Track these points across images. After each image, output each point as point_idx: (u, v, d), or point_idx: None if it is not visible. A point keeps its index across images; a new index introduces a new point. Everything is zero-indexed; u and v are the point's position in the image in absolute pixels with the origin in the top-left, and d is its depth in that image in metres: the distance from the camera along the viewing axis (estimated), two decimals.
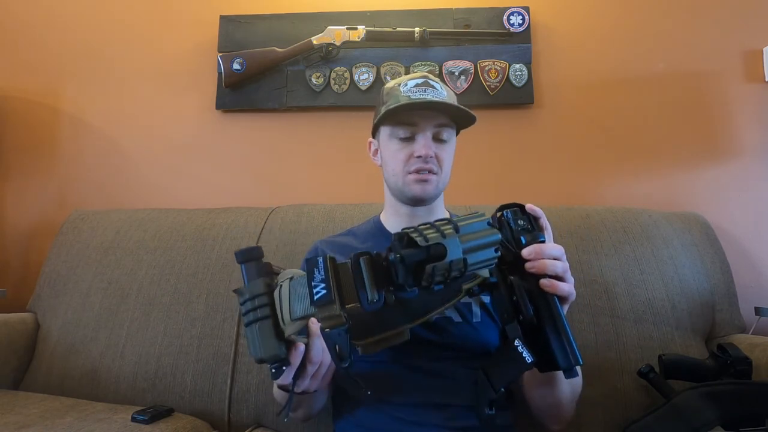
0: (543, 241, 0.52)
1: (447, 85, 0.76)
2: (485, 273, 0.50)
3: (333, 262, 0.43)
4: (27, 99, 1.46)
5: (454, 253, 0.42)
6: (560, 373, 0.55)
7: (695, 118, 1.34)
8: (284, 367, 0.45)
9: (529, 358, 0.47)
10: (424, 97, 0.69)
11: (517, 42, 1.38)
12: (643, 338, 0.94)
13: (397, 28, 1.38)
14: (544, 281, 0.49)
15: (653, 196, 1.31)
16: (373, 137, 0.80)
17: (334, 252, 0.78)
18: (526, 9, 1.39)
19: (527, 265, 0.50)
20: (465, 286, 0.54)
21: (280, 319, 0.43)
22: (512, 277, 0.50)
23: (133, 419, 0.81)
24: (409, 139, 0.72)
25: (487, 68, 1.37)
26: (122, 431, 0.77)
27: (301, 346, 0.46)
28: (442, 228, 0.44)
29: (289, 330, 0.43)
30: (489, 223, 0.48)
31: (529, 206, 0.54)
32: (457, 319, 0.69)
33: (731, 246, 1.20)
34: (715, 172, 1.31)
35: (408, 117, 0.71)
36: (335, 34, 1.39)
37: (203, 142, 1.42)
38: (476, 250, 0.45)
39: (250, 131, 1.42)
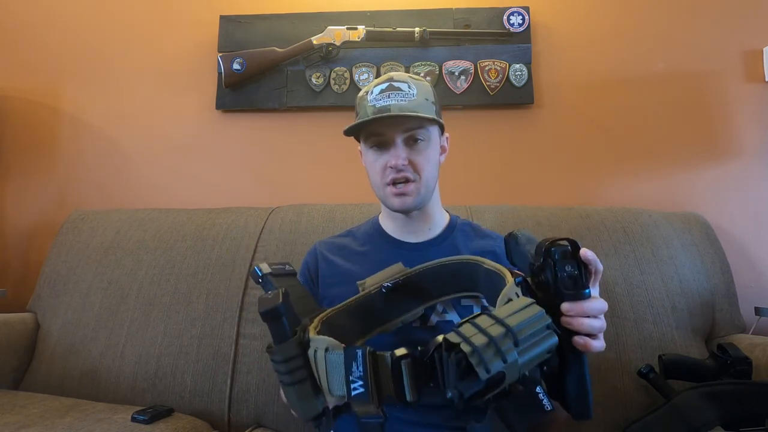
0: (588, 295, 0.46)
1: (422, 81, 0.72)
2: None
3: (372, 357, 0.40)
4: (27, 99, 1.46)
5: (513, 375, 0.37)
6: None
7: (695, 118, 1.34)
8: (324, 418, 0.44)
9: (548, 406, 0.43)
10: (388, 104, 0.67)
11: (517, 42, 1.38)
12: (643, 338, 0.94)
13: (397, 28, 1.38)
14: (577, 339, 0.45)
15: (653, 196, 1.31)
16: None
17: (333, 253, 0.78)
18: (526, 9, 1.39)
19: (563, 320, 0.46)
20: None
21: (320, 383, 0.42)
22: None
23: (133, 419, 0.81)
24: (382, 149, 0.71)
25: (487, 68, 1.37)
26: (122, 431, 0.77)
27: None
28: (501, 344, 0.36)
29: (331, 402, 0.42)
30: (548, 326, 0.40)
31: (583, 252, 0.47)
32: (458, 320, 0.69)
33: (731, 246, 1.20)
34: (715, 172, 1.31)
35: (374, 128, 0.69)
36: (335, 34, 1.39)
37: (203, 142, 1.42)
38: (532, 363, 0.38)
39: (250, 131, 1.42)
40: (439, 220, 0.78)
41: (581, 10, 1.41)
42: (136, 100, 1.45)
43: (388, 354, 0.40)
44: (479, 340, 0.36)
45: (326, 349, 0.42)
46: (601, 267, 0.49)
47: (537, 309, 0.40)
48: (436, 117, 0.70)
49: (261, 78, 1.40)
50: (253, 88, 1.40)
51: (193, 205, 1.28)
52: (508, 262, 0.56)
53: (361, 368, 0.40)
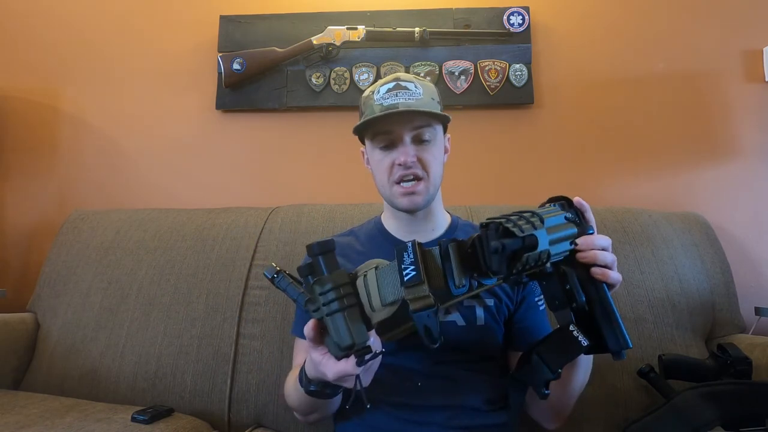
0: (592, 233, 0.53)
1: (427, 81, 0.74)
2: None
3: (421, 247, 0.45)
4: (27, 99, 1.46)
5: (543, 244, 0.44)
6: (577, 368, 0.61)
7: (695, 118, 1.34)
8: (367, 356, 0.46)
9: (584, 341, 0.48)
10: (395, 102, 0.67)
11: (517, 42, 1.38)
12: (643, 338, 0.94)
13: (397, 28, 1.38)
14: (595, 269, 0.50)
15: (653, 196, 1.31)
16: (363, 144, 0.80)
17: (336, 252, 0.78)
18: (526, 9, 1.39)
19: (579, 255, 0.50)
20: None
21: (368, 307, 0.46)
22: (564, 267, 0.51)
23: (133, 419, 0.81)
24: (390, 147, 0.71)
25: (487, 68, 1.37)
26: (122, 431, 0.77)
27: (376, 338, 0.49)
28: (532, 219, 0.45)
29: (378, 317, 0.45)
30: (566, 218, 0.51)
31: (576, 200, 0.55)
32: (461, 322, 0.69)
33: (731, 246, 1.20)
34: (715, 172, 1.31)
35: (382, 126, 0.70)
36: (335, 34, 1.39)
37: (203, 142, 1.42)
38: (557, 242, 0.47)
39: (250, 131, 1.42)
40: (441, 221, 0.79)
41: (581, 10, 1.41)
42: (136, 100, 1.45)
43: (435, 247, 0.46)
44: (513, 216, 0.45)
45: (375, 267, 0.47)
46: (592, 216, 0.56)
47: (560, 211, 0.50)
48: (441, 113, 0.70)
49: (261, 78, 1.40)
50: (253, 88, 1.40)
51: (193, 205, 1.28)
52: None
53: (411, 255, 0.44)
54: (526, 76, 1.36)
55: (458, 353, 0.68)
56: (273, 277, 0.55)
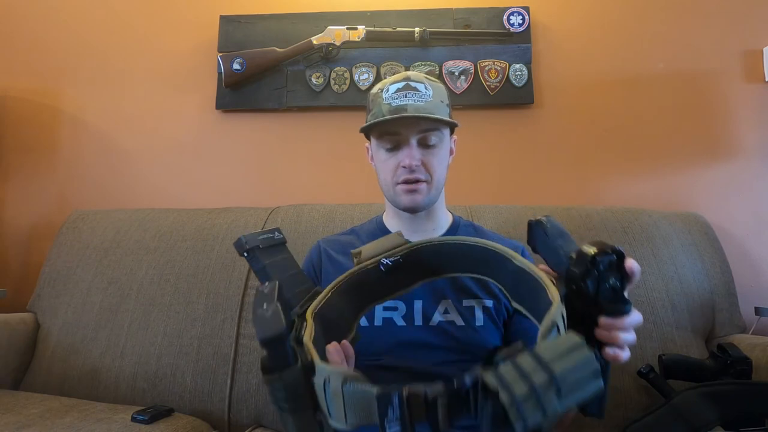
0: (628, 312, 0.44)
1: (437, 81, 0.73)
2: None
3: (408, 399, 0.37)
4: (27, 99, 1.46)
5: (549, 425, 0.34)
6: None
7: (695, 118, 1.34)
8: None
9: None
10: (405, 103, 0.67)
11: (517, 42, 1.38)
12: (643, 338, 0.94)
13: (397, 28, 1.38)
14: (608, 351, 0.43)
15: (653, 196, 1.31)
16: (369, 140, 0.80)
17: (336, 252, 0.78)
18: (526, 9, 1.39)
19: (598, 332, 0.44)
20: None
21: (326, 411, 0.38)
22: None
23: (133, 419, 0.81)
24: (395, 149, 0.71)
25: (487, 68, 1.37)
26: (122, 431, 0.77)
27: None
28: (544, 396, 0.33)
29: (338, 426, 0.38)
30: (596, 373, 0.35)
31: (629, 264, 0.44)
32: (460, 322, 0.69)
33: (731, 246, 1.20)
34: (715, 172, 1.31)
35: (390, 127, 0.69)
36: (335, 34, 1.39)
37: (203, 142, 1.42)
38: (570, 407, 0.36)
39: (250, 131, 1.42)
40: (443, 221, 0.79)
41: (581, 10, 1.41)
42: (136, 100, 1.45)
43: (422, 391, 0.37)
44: (520, 389, 0.33)
45: (343, 381, 0.37)
46: (639, 277, 0.46)
47: (586, 352, 0.35)
48: (451, 119, 0.70)
49: (261, 78, 1.40)
50: (253, 88, 1.40)
51: (193, 205, 1.28)
52: (531, 248, 0.53)
53: (398, 412, 0.37)
54: (526, 76, 1.36)
55: (457, 353, 0.68)
56: (245, 252, 0.49)
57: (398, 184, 0.71)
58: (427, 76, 0.72)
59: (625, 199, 1.31)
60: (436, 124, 0.69)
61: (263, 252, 0.51)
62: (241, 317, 1.01)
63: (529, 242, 0.54)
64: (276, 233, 0.55)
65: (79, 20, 1.48)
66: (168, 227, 1.15)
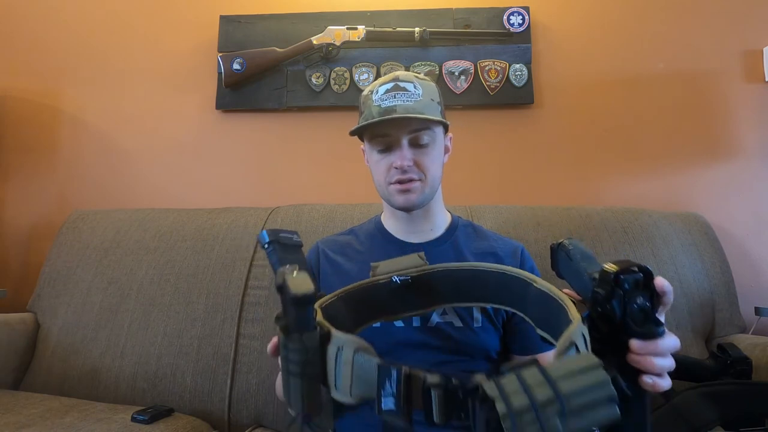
0: (661, 334, 0.40)
1: (427, 80, 0.72)
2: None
3: (407, 377, 0.37)
4: (27, 99, 1.46)
5: None
6: None
7: (695, 118, 1.34)
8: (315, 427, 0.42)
9: None
10: (393, 104, 0.67)
11: (517, 42, 1.38)
12: None
13: (397, 28, 1.38)
14: (646, 379, 0.40)
15: (653, 196, 1.31)
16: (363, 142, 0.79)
17: (335, 252, 0.78)
18: (526, 9, 1.39)
19: (631, 357, 0.40)
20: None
21: (332, 382, 0.39)
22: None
23: (133, 419, 0.81)
24: (387, 150, 0.71)
25: (487, 68, 1.37)
26: (122, 431, 0.77)
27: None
28: (543, 413, 0.31)
29: (342, 399, 0.39)
30: (611, 398, 0.33)
31: (660, 282, 0.41)
32: (458, 323, 0.69)
33: (731, 246, 1.20)
34: (715, 172, 1.31)
35: (380, 129, 0.69)
36: (335, 34, 1.39)
37: (203, 142, 1.42)
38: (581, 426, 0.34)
39: (250, 131, 1.42)
40: (441, 221, 0.78)
41: (581, 10, 1.41)
42: (136, 100, 1.45)
43: (422, 375, 0.37)
44: (519, 401, 0.31)
45: (355, 350, 0.39)
46: (672, 298, 0.43)
47: (602, 375, 0.33)
48: (441, 118, 0.70)
49: (261, 78, 1.40)
50: (253, 88, 1.40)
51: (193, 205, 1.28)
52: (555, 273, 0.51)
53: (394, 387, 0.37)
54: (526, 76, 1.36)
55: (456, 354, 0.68)
56: (266, 244, 0.49)
57: (391, 184, 0.70)
58: (417, 75, 0.72)
59: (625, 199, 1.31)
60: (426, 123, 0.69)
61: (282, 248, 0.52)
62: (241, 317, 1.01)
63: (552, 267, 0.52)
64: (295, 236, 0.55)
65: (79, 20, 1.48)
66: (168, 227, 1.15)
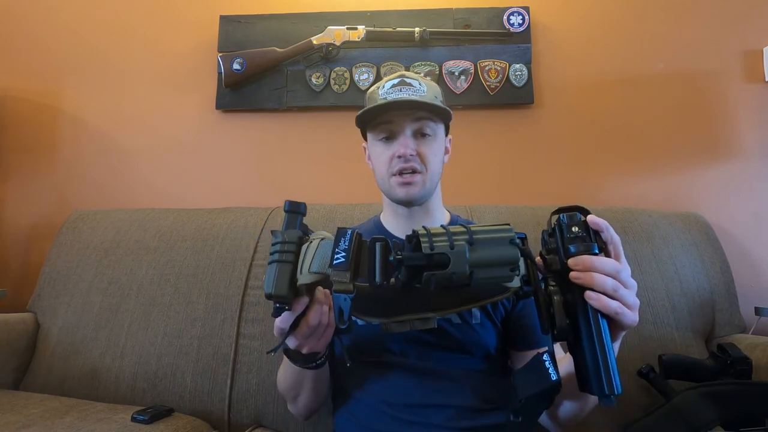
0: (596, 254, 0.45)
1: (431, 81, 0.75)
2: (515, 283, 0.47)
3: (359, 237, 0.47)
4: (27, 99, 1.46)
5: (459, 266, 0.42)
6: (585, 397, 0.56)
7: (695, 118, 1.34)
8: (285, 308, 0.50)
9: (553, 376, 0.43)
10: (399, 96, 0.68)
11: (517, 42, 1.38)
12: (643, 338, 0.94)
13: (397, 28, 1.38)
14: (589, 293, 0.43)
15: (653, 196, 1.31)
16: (365, 140, 0.80)
17: None
18: (526, 9, 1.39)
19: (572, 274, 0.45)
20: (495, 298, 0.55)
21: (299, 269, 0.48)
22: (552, 287, 0.46)
23: (133, 419, 0.81)
24: (390, 139, 0.71)
25: (487, 68, 1.37)
26: (122, 431, 0.77)
27: (305, 299, 0.51)
28: (455, 238, 0.43)
29: (302, 280, 0.48)
30: (512, 240, 0.45)
31: (591, 218, 0.47)
32: (457, 320, 0.69)
33: (731, 246, 1.20)
34: (715, 172, 1.31)
35: (384, 116, 0.70)
36: (335, 34, 1.39)
37: (203, 142, 1.42)
38: (488, 266, 0.43)
39: (250, 131, 1.42)
40: (439, 219, 0.79)
41: (581, 10, 1.41)
42: (136, 100, 1.45)
43: (369, 240, 0.47)
44: (436, 230, 0.44)
45: (321, 239, 0.49)
46: (616, 236, 0.47)
47: (506, 226, 0.46)
48: (445, 107, 0.71)
49: (261, 78, 1.40)
50: (253, 88, 1.40)
51: (193, 205, 1.28)
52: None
53: (347, 243, 0.47)
54: (526, 76, 1.36)
55: (455, 351, 0.69)
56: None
57: (393, 175, 0.71)
58: (421, 76, 0.74)
59: (625, 199, 1.31)
60: (431, 113, 0.70)
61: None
62: (241, 317, 1.01)
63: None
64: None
65: (79, 20, 1.48)
66: (168, 227, 1.15)
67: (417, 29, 1.37)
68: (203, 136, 1.43)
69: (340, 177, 1.38)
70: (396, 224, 0.78)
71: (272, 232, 0.51)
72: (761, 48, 1.33)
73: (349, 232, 0.47)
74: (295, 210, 0.52)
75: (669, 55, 1.37)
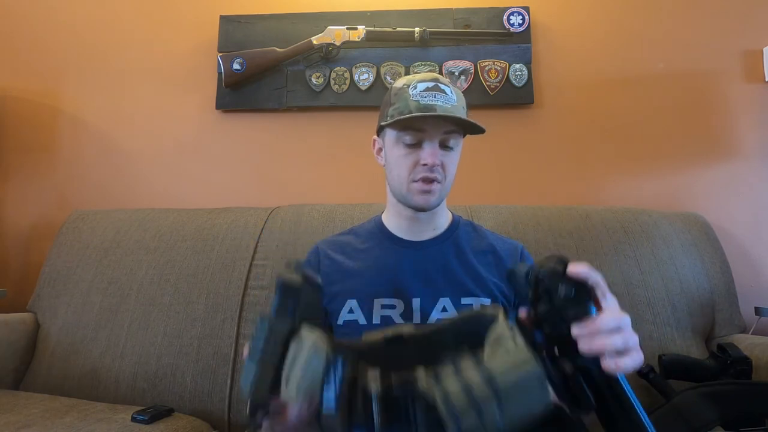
0: (590, 313, 0.41)
1: (456, 89, 0.73)
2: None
3: (349, 384, 0.38)
4: (27, 99, 1.46)
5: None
6: None
7: (695, 118, 1.34)
8: (259, 416, 0.41)
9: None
10: (434, 103, 0.67)
11: (517, 42, 1.38)
12: (643, 338, 0.94)
13: (397, 28, 1.38)
14: (607, 363, 0.39)
15: (653, 196, 1.31)
16: (378, 135, 0.79)
17: (335, 251, 0.78)
18: (526, 9, 1.39)
19: (581, 347, 0.40)
20: None
21: (284, 378, 0.39)
22: (565, 364, 0.40)
23: (133, 419, 0.81)
24: (416, 146, 0.70)
25: (487, 68, 1.37)
26: (122, 431, 0.77)
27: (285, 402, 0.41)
28: (477, 394, 0.34)
29: (287, 396, 0.39)
30: (539, 378, 0.36)
31: (570, 269, 0.41)
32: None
33: (731, 246, 1.20)
34: (715, 172, 1.31)
35: (417, 123, 0.69)
36: (335, 34, 1.39)
37: (203, 142, 1.42)
38: (516, 422, 0.35)
39: (250, 131, 1.42)
40: (443, 221, 0.79)
41: (581, 10, 1.41)
42: (136, 100, 1.45)
43: (362, 382, 0.38)
44: (453, 387, 0.33)
45: (312, 347, 0.39)
46: (598, 278, 0.42)
47: (528, 357, 0.36)
48: (478, 124, 0.69)
49: (261, 78, 1.40)
50: (253, 88, 1.40)
51: (193, 205, 1.28)
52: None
53: (338, 388, 0.38)
54: (526, 76, 1.36)
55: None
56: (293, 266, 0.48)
57: (414, 181, 0.70)
58: (450, 83, 0.72)
59: (625, 199, 1.31)
60: (465, 127, 0.70)
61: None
62: (241, 317, 1.01)
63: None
64: (318, 277, 0.52)
65: (79, 20, 1.48)
66: (168, 227, 1.15)
67: (417, 29, 1.37)
68: (203, 136, 1.43)
69: (340, 177, 1.38)
70: (399, 225, 0.78)
71: (260, 316, 0.42)
72: (761, 48, 1.33)
73: (339, 366, 0.38)
74: (291, 294, 0.42)
75: (669, 55, 1.37)
